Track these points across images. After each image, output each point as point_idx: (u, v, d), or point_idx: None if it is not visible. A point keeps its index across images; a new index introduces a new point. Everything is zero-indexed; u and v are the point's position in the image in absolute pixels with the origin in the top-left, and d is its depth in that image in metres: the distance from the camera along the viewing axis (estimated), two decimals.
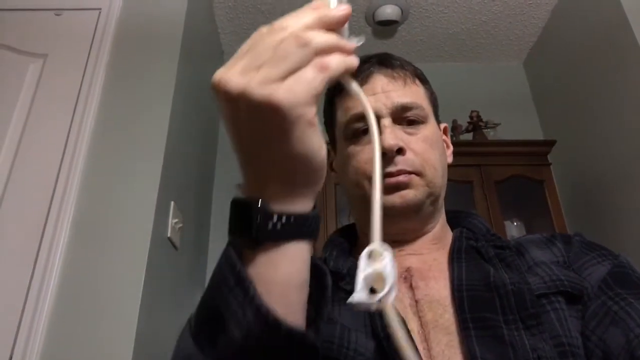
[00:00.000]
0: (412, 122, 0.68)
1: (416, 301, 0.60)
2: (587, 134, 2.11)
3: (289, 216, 0.39)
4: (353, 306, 0.37)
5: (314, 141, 0.38)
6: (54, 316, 1.26)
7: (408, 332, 0.55)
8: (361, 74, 0.69)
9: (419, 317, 0.58)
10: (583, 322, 0.57)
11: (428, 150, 0.67)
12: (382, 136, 0.64)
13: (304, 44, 0.36)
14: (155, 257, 1.39)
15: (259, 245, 0.40)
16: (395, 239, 0.68)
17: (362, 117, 0.67)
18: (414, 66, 0.74)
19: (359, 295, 0.37)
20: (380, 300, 0.36)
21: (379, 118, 0.66)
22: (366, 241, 0.68)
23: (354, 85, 0.41)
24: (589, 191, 2.09)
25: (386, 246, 0.38)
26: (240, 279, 0.39)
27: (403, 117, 0.67)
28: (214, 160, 2.34)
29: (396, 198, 0.64)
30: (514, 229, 2.01)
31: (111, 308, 1.26)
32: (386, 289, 0.36)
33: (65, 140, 1.50)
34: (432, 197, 0.67)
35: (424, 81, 0.73)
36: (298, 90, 0.35)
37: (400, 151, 0.64)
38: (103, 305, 1.27)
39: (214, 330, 0.40)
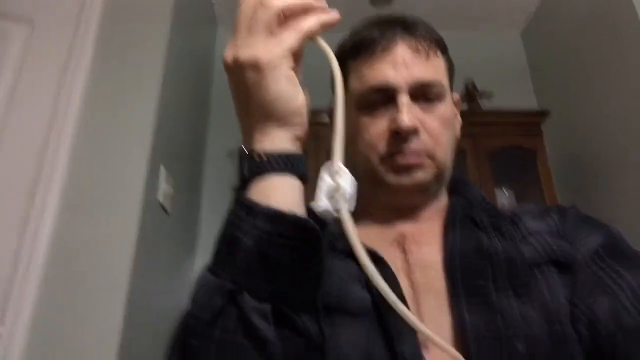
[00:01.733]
0: (430, 99, 0.66)
1: (408, 264, 0.61)
2: (581, 106, 2.11)
3: (267, 154, 0.48)
4: (317, 213, 0.45)
5: (289, 88, 0.47)
6: (43, 283, 1.26)
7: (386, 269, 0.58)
8: (383, 39, 0.66)
9: (410, 279, 0.59)
10: (572, 291, 0.57)
11: (442, 131, 0.66)
12: (398, 114, 0.63)
13: (267, 8, 0.46)
14: (146, 221, 1.38)
15: (250, 182, 0.48)
16: (396, 208, 0.69)
17: (380, 90, 0.65)
18: (436, 33, 0.71)
19: (321, 202, 0.45)
20: (338, 208, 0.44)
21: (396, 92, 0.64)
22: (372, 211, 0.70)
23: (324, 46, 0.50)
24: (581, 162, 2.10)
25: (344, 167, 0.46)
26: (250, 207, 0.46)
27: (421, 94, 0.65)
28: (206, 126, 2.32)
29: (406, 179, 0.64)
30: (504, 198, 2.03)
31: (102, 273, 1.27)
32: (343, 199, 0.44)
33: (55, 106, 1.47)
34: (440, 177, 0.67)
35: (444, 51, 0.71)
36: (273, 48, 0.46)
37: (415, 131, 0.63)
38: (94, 270, 1.27)
39: (230, 254, 0.46)
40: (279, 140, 0.48)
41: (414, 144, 0.63)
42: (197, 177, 2.14)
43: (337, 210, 0.44)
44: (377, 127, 0.65)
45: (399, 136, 0.63)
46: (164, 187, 1.54)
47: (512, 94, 2.39)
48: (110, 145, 1.43)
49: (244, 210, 0.47)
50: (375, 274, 0.42)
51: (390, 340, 0.53)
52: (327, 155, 0.48)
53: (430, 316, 0.56)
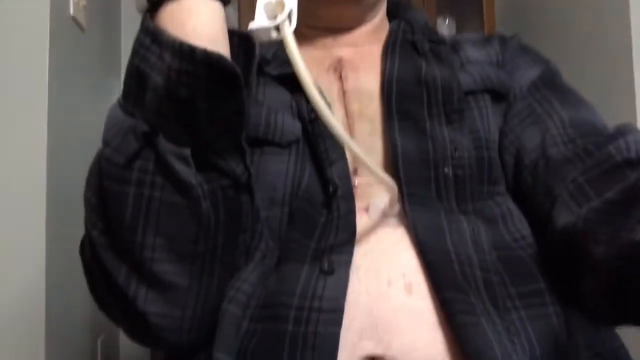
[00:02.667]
0: None
1: (344, 92, 0.59)
2: None
3: None
4: (253, 33, 0.40)
5: None
6: None
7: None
8: None
9: (345, 107, 0.58)
10: (504, 120, 0.59)
11: None
12: None
13: None
14: (58, 40, 1.24)
15: (161, 5, 0.42)
16: (331, 26, 0.64)
17: None
18: None
19: (258, 20, 0.39)
20: (279, 26, 0.38)
21: None
22: (307, 32, 0.65)
23: None
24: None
25: None
26: (156, 35, 0.41)
27: None
28: None
29: None
30: (444, 27, 1.99)
31: (16, 97, 1.15)
32: (285, 13, 0.38)
33: None
34: None
35: None
36: None
37: None
38: (7, 96, 1.15)
39: (140, 90, 0.42)
40: None
41: None
42: None
43: (278, 29, 0.39)
44: None
45: None
46: None
47: None
48: None
49: (149, 38, 0.41)
50: (315, 92, 0.38)
51: (320, 166, 0.53)
52: None
53: (362, 142, 0.56)
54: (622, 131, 0.50)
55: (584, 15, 1.71)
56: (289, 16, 0.38)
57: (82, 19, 1.41)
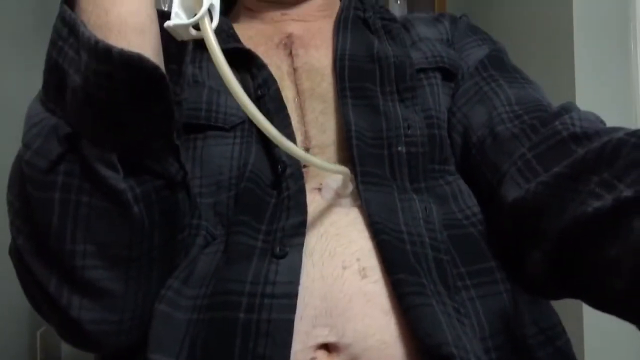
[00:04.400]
0: None
1: (294, 69, 0.57)
2: None
3: None
4: (171, 31, 0.37)
5: None
6: None
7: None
8: None
9: (296, 86, 0.56)
10: (452, 100, 0.59)
11: None
12: None
13: None
14: None
15: None
16: (279, 1, 0.62)
17: None
18: None
19: (175, 17, 0.36)
20: (197, 24, 0.35)
21: None
22: (254, 6, 0.61)
23: None
24: None
25: None
26: (72, 27, 0.38)
27: None
28: None
29: None
30: (396, 8, 1.99)
31: None
32: (204, 9, 0.34)
33: None
34: None
35: None
36: None
37: None
38: None
39: (60, 87, 0.39)
40: None
41: None
42: None
43: (198, 27, 0.35)
44: None
45: None
46: None
47: None
48: None
49: (67, 29, 0.38)
50: (235, 84, 0.35)
51: (267, 146, 0.51)
52: None
53: (314, 120, 0.55)
54: (566, 108, 0.51)
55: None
56: (210, 11, 0.35)
57: None
